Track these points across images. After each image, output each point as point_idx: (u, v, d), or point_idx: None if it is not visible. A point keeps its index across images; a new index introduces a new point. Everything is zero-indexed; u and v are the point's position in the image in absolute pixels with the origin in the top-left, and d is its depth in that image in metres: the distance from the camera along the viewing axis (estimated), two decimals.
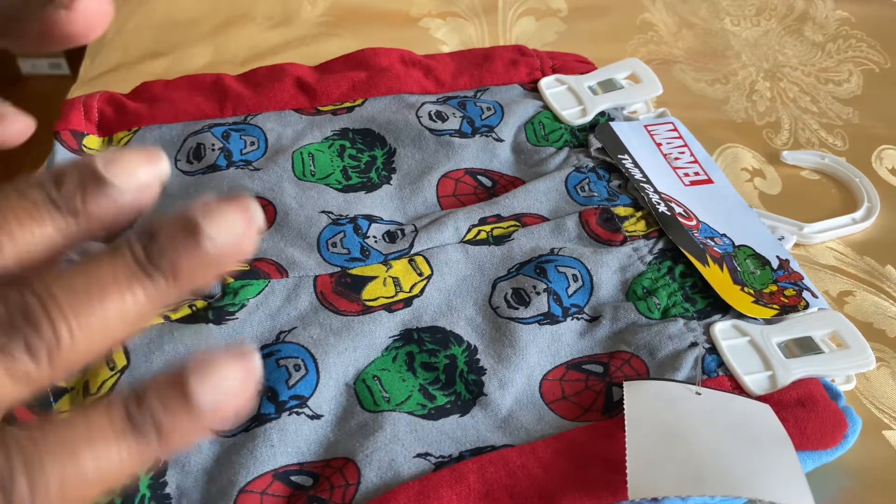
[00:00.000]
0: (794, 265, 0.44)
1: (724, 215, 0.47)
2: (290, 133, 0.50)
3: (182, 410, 0.18)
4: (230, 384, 0.18)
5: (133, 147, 0.20)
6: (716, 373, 0.38)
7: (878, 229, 0.50)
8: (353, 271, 0.42)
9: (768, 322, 0.40)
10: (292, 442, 0.35)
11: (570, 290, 0.42)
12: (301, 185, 0.47)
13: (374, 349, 0.39)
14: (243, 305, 0.39)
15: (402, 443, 0.35)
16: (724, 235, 0.45)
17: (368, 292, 0.41)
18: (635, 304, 0.41)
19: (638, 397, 0.36)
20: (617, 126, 0.51)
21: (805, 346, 0.39)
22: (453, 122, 0.51)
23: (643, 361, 0.39)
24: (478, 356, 0.39)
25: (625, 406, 0.35)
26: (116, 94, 0.52)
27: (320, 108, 0.52)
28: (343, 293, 0.41)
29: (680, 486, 0.32)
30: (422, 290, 0.42)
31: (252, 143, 0.49)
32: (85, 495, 0.17)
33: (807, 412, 0.36)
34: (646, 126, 0.52)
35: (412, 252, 0.43)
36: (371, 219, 0.45)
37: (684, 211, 0.46)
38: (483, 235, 0.44)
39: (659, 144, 0.51)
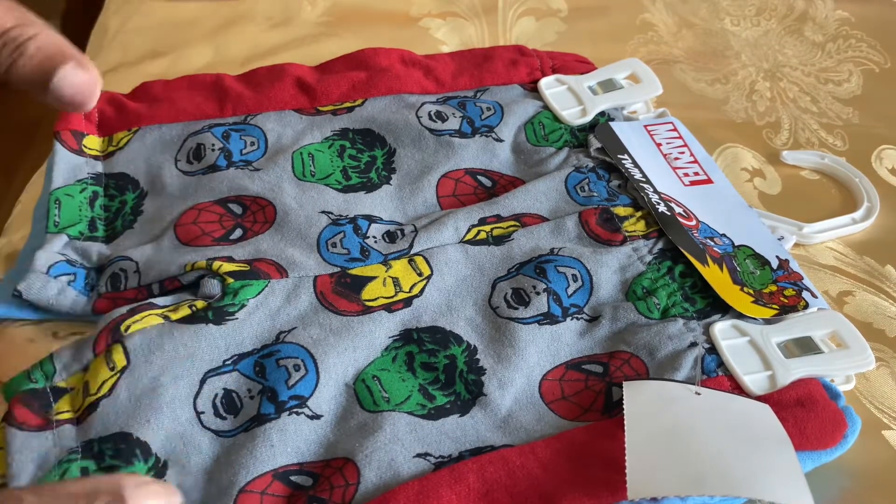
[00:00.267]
0: (794, 265, 0.44)
1: (723, 215, 0.47)
2: (290, 133, 0.50)
3: None
4: None
5: (161, 482, 0.23)
6: (715, 373, 0.38)
7: (877, 229, 0.50)
8: (353, 271, 0.42)
9: (768, 322, 0.41)
10: (292, 442, 0.35)
11: (570, 290, 0.42)
12: (301, 186, 0.47)
13: (374, 349, 0.39)
14: (243, 305, 0.39)
15: (402, 443, 0.35)
16: (724, 235, 0.45)
17: (368, 292, 0.41)
18: (635, 304, 0.41)
19: (638, 397, 0.36)
20: (617, 126, 0.51)
21: (805, 346, 0.39)
22: (453, 123, 0.51)
23: (643, 361, 0.39)
24: (477, 356, 0.39)
25: (624, 406, 0.35)
26: (116, 93, 0.52)
27: (320, 109, 0.52)
28: (343, 293, 0.41)
29: (680, 486, 0.32)
30: (421, 291, 0.42)
31: (252, 144, 0.49)
32: None
33: (806, 412, 0.36)
34: (646, 126, 0.52)
35: (412, 252, 0.43)
36: (371, 219, 0.45)
37: (684, 211, 0.46)
38: (483, 235, 0.44)
39: (659, 144, 0.51)
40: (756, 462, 0.33)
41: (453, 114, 0.51)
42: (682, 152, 0.51)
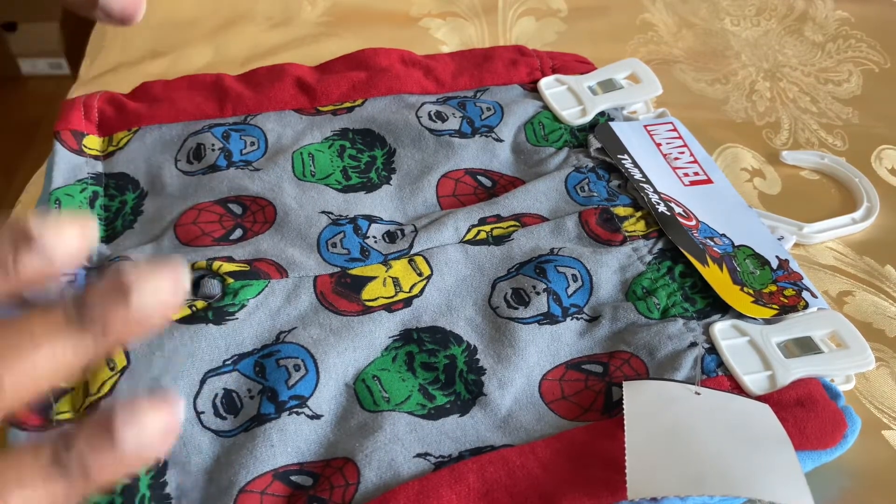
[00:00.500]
0: (794, 265, 0.44)
1: (723, 215, 0.47)
2: (290, 133, 0.50)
3: (107, 452, 0.19)
4: (153, 430, 0.20)
5: (67, 214, 0.21)
6: (715, 373, 0.38)
7: (877, 229, 0.50)
8: (353, 271, 0.42)
9: (768, 322, 0.41)
10: (292, 442, 0.35)
11: (570, 290, 0.42)
12: (301, 186, 0.47)
13: (374, 349, 0.39)
14: (243, 306, 0.39)
15: (402, 443, 0.35)
16: (724, 235, 0.45)
17: (368, 292, 0.41)
18: (635, 304, 0.41)
19: (637, 397, 0.36)
20: (617, 126, 0.51)
21: (804, 346, 0.39)
22: (453, 123, 0.51)
23: (643, 361, 0.39)
24: (477, 356, 0.39)
25: (624, 406, 0.35)
26: (116, 94, 0.52)
27: (320, 109, 0.52)
28: (343, 293, 0.41)
29: (680, 486, 0.32)
30: (421, 291, 0.42)
31: (252, 144, 0.49)
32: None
33: (806, 412, 0.36)
34: (645, 126, 0.52)
35: (412, 252, 0.43)
36: (371, 219, 0.45)
37: (684, 211, 0.46)
38: (483, 235, 0.44)
39: (659, 144, 0.51)
40: (756, 462, 0.33)
41: (453, 114, 0.51)
42: (682, 152, 0.51)
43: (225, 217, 0.45)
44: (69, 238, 0.20)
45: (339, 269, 0.42)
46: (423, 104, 0.52)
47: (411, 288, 0.42)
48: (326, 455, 0.35)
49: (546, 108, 0.53)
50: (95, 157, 0.48)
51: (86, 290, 0.20)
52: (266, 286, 0.40)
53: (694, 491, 0.32)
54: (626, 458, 0.33)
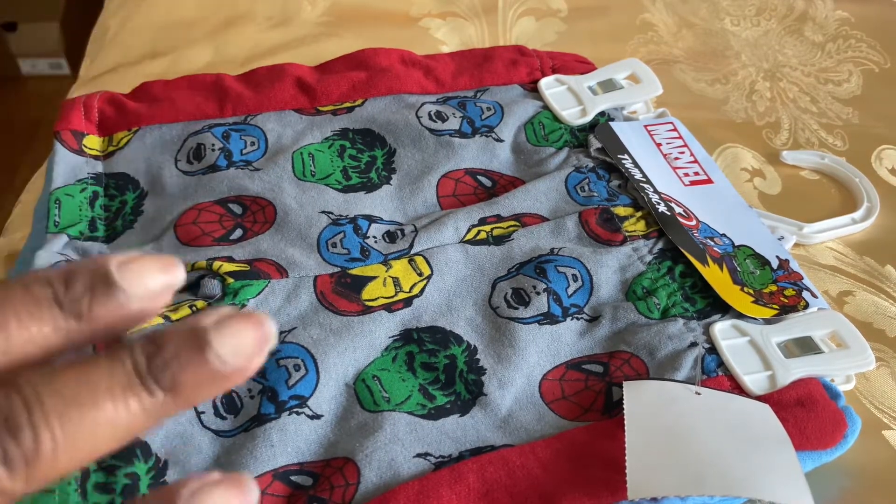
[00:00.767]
0: (794, 265, 0.44)
1: (723, 215, 0.47)
2: (290, 133, 0.50)
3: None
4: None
5: (151, 253, 0.19)
6: (715, 373, 0.38)
7: (877, 229, 0.50)
8: (353, 271, 0.42)
9: (768, 322, 0.41)
10: (292, 442, 0.35)
11: (570, 290, 0.42)
12: (301, 186, 0.47)
13: (374, 349, 0.39)
14: (243, 305, 0.39)
15: (402, 443, 0.35)
16: (724, 235, 0.45)
17: (368, 292, 0.41)
18: (635, 304, 0.41)
19: (638, 397, 0.36)
20: (617, 126, 0.51)
21: (805, 346, 0.39)
22: (453, 123, 0.51)
23: (643, 361, 0.39)
24: (477, 356, 0.39)
25: (624, 406, 0.35)
26: (116, 94, 0.52)
27: (320, 109, 0.52)
28: (343, 293, 0.41)
29: (680, 486, 0.32)
30: (422, 290, 0.42)
31: (252, 144, 0.49)
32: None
33: (806, 412, 0.36)
34: (646, 126, 0.52)
35: (412, 252, 0.43)
36: (371, 219, 0.45)
37: (684, 211, 0.46)
38: (483, 235, 0.44)
39: (659, 144, 0.51)
40: (756, 462, 0.33)
41: (453, 114, 0.51)
42: (682, 152, 0.51)
43: (225, 217, 0.45)
44: (151, 281, 0.18)
45: (339, 268, 0.42)
46: (423, 104, 0.52)
47: (411, 288, 0.42)
48: (326, 455, 0.35)
49: (546, 108, 0.53)
50: (95, 157, 0.48)
51: (157, 339, 0.17)
52: (266, 286, 0.40)
53: (694, 491, 0.32)
54: (626, 458, 0.33)
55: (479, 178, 0.49)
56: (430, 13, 0.69)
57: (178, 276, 0.19)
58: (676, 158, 0.50)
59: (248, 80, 0.53)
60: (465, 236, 0.44)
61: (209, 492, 0.17)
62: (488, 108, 0.52)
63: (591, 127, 0.51)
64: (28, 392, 0.16)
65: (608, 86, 0.54)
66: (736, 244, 0.45)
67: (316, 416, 0.36)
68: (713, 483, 0.32)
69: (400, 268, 0.42)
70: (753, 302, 0.41)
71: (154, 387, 0.17)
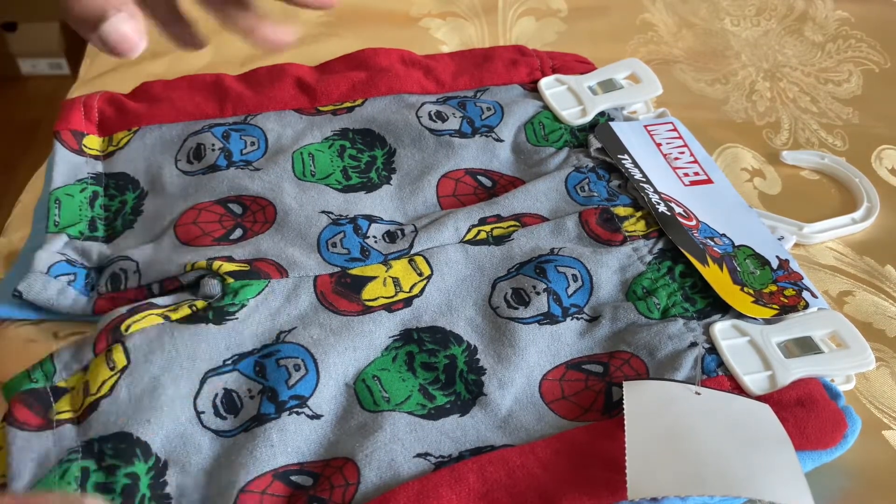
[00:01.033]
0: (794, 265, 0.44)
1: (723, 215, 0.47)
2: (290, 133, 0.50)
3: None
4: None
5: None
6: (715, 373, 0.38)
7: (877, 229, 0.50)
8: (353, 271, 0.42)
9: (768, 322, 0.41)
10: (292, 442, 0.35)
11: (570, 290, 0.42)
12: (301, 186, 0.47)
13: (374, 349, 0.39)
14: (243, 305, 0.39)
15: (402, 443, 0.35)
16: (724, 235, 0.45)
17: (368, 292, 0.41)
18: (635, 304, 0.41)
19: (638, 397, 0.36)
20: (617, 126, 0.51)
21: (805, 346, 0.39)
22: (453, 123, 0.51)
23: (643, 361, 0.39)
24: (477, 356, 0.39)
25: (624, 406, 0.35)
26: (116, 93, 0.52)
27: (320, 108, 0.52)
28: (343, 293, 0.41)
29: (680, 486, 0.32)
30: (422, 290, 0.42)
31: (252, 144, 0.49)
32: None
33: (806, 412, 0.36)
34: (646, 126, 0.52)
35: (412, 252, 0.43)
36: (371, 219, 0.45)
37: (684, 211, 0.46)
38: (483, 235, 0.44)
39: (659, 144, 0.51)
40: (756, 462, 0.33)
41: (453, 114, 0.51)
42: (682, 152, 0.51)
43: (225, 217, 0.45)
44: None
45: (339, 268, 0.42)
46: (423, 104, 0.52)
47: (411, 288, 0.42)
48: (326, 455, 0.35)
49: (546, 108, 0.53)
50: (95, 157, 0.48)
51: None
52: (266, 286, 0.40)
53: (694, 491, 0.32)
54: (626, 458, 0.33)
55: (479, 178, 0.49)
56: (430, 13, 0.69)
57: None
58: (676, 158, 0.50)
59: (248, 80, 0.53)
60: (465, 236, 0.44)
61: None
62: (488, 108, 0.52)
63: (591, 127, 0.51)
64: None
65: (608, 86, 0.54)
66: (736, 244, 0.45)
67: (316, 416, 0.36)
68: (713, 483, 0.32)
69: (400, 268, 0.42)
70: (753, 302, 0.41)
71: None
